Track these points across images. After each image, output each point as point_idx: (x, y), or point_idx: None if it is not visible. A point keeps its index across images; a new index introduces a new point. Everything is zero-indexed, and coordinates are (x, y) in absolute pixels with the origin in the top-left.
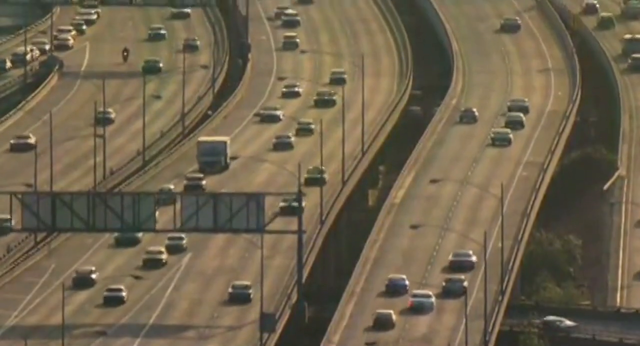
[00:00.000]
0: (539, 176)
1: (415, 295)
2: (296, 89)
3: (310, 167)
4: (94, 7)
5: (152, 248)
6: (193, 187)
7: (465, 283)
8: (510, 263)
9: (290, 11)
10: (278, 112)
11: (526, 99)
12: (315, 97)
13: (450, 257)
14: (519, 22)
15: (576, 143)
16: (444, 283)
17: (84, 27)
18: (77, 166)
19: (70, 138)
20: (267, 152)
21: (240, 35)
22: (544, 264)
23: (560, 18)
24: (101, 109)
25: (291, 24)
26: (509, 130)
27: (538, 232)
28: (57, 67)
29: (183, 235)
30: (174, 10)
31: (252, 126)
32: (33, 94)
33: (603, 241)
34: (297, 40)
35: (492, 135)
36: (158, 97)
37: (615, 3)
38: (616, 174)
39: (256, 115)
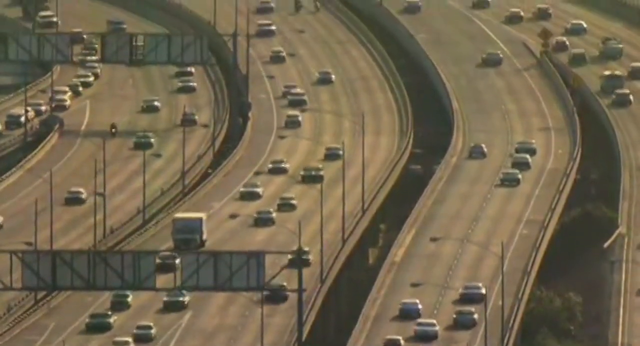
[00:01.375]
0: (539, 234)
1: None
2: (283, 165)
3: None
4: (93, 68)
5: (118, 339)
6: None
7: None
8: (511, 321)
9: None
10: (258, 189)
11: (533, 141)
12: (302, 173)
13: (460, 290)
14: (501, 55)
15: (577, 201)
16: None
17: (80, 88)
18: (78, 224)
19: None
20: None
21: (240, 94)
22: (545, 322)
23: (560, 76)
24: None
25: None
26: (517, 171)
27: (538, 289)
28: (57, 126)
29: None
30: (180, 83)
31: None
32: (34, 153)
33: (603, 299)
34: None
35: (502, 175)
36: (158, 156)
37: (593, 44)
38: (616, 232)
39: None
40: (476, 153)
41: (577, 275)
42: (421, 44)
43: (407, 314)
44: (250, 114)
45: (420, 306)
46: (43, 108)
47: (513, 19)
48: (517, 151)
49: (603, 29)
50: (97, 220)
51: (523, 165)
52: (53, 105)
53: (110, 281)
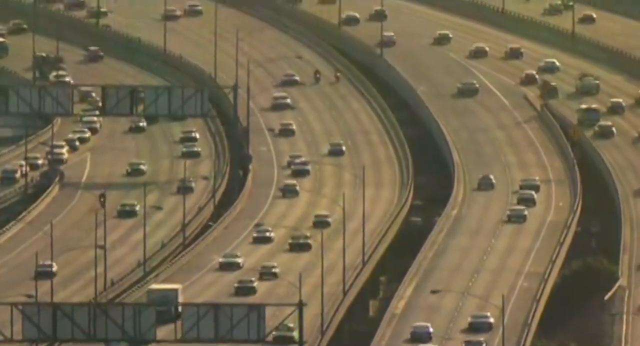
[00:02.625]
0: (539, 286)
1: None
2: (268, 235)
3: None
4: (92, 122)
5: None
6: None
7: None
8: None
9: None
10: (239, 260)
11: (537, 177)
12: (290, 241)
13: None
14: (477, 85)
15: (577, 254)
16: None
17: (77, 143)
18: (78, 277)
19: (71, 249)
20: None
21: (241, 146)
22: None
23: (560, 128)
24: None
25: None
26: (524, 207)
27: (539, 341)
28: (57, 178)
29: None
30: (184, 150)
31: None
32: (34, 205)
33: None
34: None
35: (509, 212)
36: (159, 208)
37: (569, 81)
38: (617, 285)
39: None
40: (485, 185)
41: (577, 328)
42: (421, 96)
43: None
44: (250, 167)
45: None
46: (40, 162)
47: (478, 54)
48: (521, 187)
49: (576, 68)
50: (98, 273)
51: (529, 202)
52: (51, 158)
53: (111, 334)
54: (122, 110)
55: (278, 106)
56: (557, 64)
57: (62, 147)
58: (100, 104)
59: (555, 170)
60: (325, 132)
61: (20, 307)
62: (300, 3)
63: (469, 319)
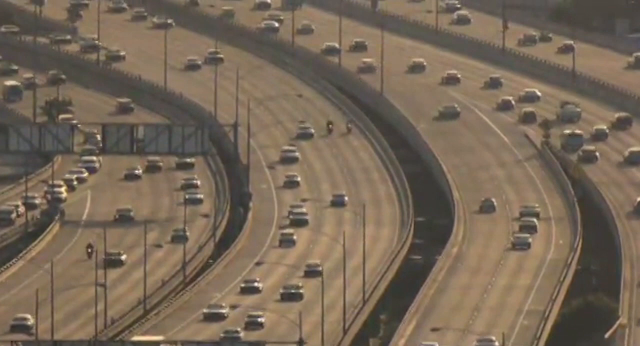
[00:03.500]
0: (540, 324)
1: None
2: (256, 285)
3: None
4: (91, 162)
5: None
6: None
7: None
8: None
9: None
10: (224, 310)
11: (537, 205)
12: (281, 290)
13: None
14: (458, 109)
15: (577, 292)
16: None
17: (75, 183)
18: (78, 315)
19: (71, 287)
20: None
21: (241, 184)
22: None
23: (561, 166)
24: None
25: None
26: (528, 235)
27: None
28: (58, 216)
29: None
30: (187, 195)
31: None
32: (35, 243)
33: None
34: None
35: (512, 239)
36: (159, 246)
37: (550, 110)
38: (617, 323)
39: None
40: (487, 207)
41: None
42: (422, 134)
43: None
44: (250, 204)
45: None
46: (37, 201)
47: (450, 81)
48: (522, 215)
49: (557, 98)
50: (98, 310)
51: (531, 229)
52: (50, 197)
53: None
54: (122, 148)
55: (287, 159)
56: (538, 93)
57: (60, 186)
58: (97, 136)
59: (556, 208)
60: (325, 169)
61: (21, 344)
62: (279, 33)
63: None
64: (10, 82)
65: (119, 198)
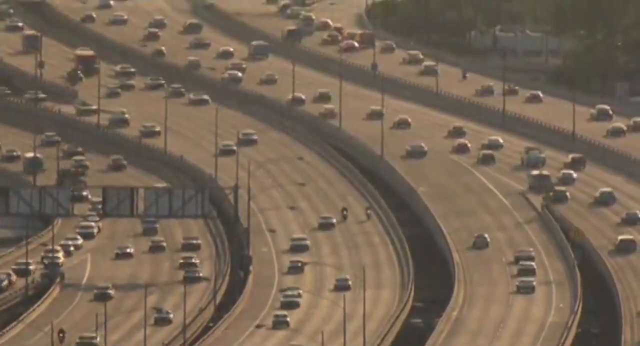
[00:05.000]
0: None
1: None
2: None
3: None
4: (88, 228)
5: None
6: None
7: None
8: None
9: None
10: None
11: (531, 249)
12: None
13: None
14: (426, 149)
15: None
16: None
17: (72, 249)
18: None
19: None
20: None
21: (241, 247)
22: None
23: (561, 229)
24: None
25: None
26: (532, 278)
27: None
28: (58, 279)
29: None
30: (186, 274)
31: None
32: (35, 306)
33: None
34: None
35: (518, 283)
36: (159, 310)
37: (513, 157)
38: None
39: None
40: (480, 243)
41: None
42: (422, 197)
43: None
44: (251, 268)
45: None
46: (32, 267)
47: (401, 125)
48: (517, 260)
49: (520, 145)
50: None
51: (529, 272)
52: (48, 261)
53: None
54: (122, 211)
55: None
56: (501, 141)
57: (57, 251)
58: (97, 201)
59: (556, 271)
60: (325, 231)
61: None
62: (242, 82)
63: None
64: (29, 154)
65: (118, 263)
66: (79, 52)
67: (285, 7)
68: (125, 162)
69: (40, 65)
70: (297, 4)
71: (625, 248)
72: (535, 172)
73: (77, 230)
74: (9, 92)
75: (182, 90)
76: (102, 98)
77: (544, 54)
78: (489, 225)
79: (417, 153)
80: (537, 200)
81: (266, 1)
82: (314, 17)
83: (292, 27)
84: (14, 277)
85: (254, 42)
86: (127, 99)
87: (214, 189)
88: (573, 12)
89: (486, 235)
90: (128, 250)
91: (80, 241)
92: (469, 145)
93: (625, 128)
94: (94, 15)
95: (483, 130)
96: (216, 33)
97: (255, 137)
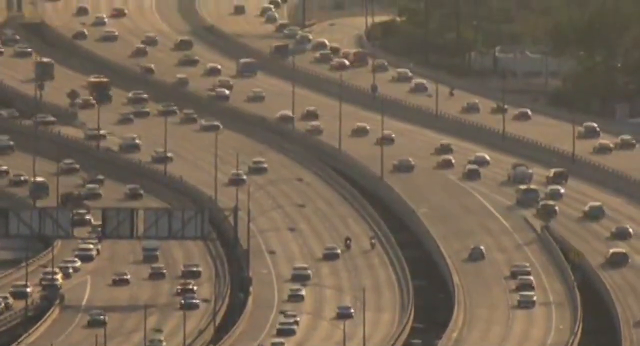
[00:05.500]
0: None
1: None
2: None
3: None
4: (87, 250)
5: None
6: None
7: None
8: None
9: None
10: None
11: (527, 264)
12: None
13: None
14: (413, 163)
15: None
16: None
17: (71, 271)
18: None
19: None
20: None
21: (241, 269)
22: None
23: (561, 251)
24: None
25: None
26: (533, 293)
27: None
28: (58, 301)
29: None
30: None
31: None
32: (34, 328)
33: None
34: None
35: (519, 298)
36: (159, 331)
37: (501, 173)
38: None
39: None
40: (476, 255)
41: None
42: (422, 218)
43: None
44: (251, 289)
45: None
46: (29, 290)
47: (385, 141)
48: (513, 275)
49: (507, 162)
50: None
51: (528, 287)
52: (43, 284)
53: None
54: (122, 232)
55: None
56: (487, 158)
57: (56, 273)
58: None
59: (556, 292)
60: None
61: None
62: (228, 101)
63: None
64: (39, 179)
65: (119, 285)
66: (92, 79)
67: (282, 26)
68: (142, 192)
69: (40, 87)
70: (297, 25)
71: (616, 261)
72: (523, 187)
73: (76, 253)
74: (17, 115)
75: (195, 116)
76: (114, 124)
77: (543, 75)
78: (489, 247)
79: (404, 168)
80: (526, 214)
81: (265, 21)
82: (311, 37)
83: (279, 43)
84: (10, 300)
85: (242, 60)
86: (139, 125)
87: (214, 210)
88: (572, 33)
89: (482, 247)
90: (125, 277)
91: (78, 263)
92: (453, 161)
93: (612, 145)
94: (86, 32)
95: (470, 146)
96: (207, 50)
97: (265, 165)
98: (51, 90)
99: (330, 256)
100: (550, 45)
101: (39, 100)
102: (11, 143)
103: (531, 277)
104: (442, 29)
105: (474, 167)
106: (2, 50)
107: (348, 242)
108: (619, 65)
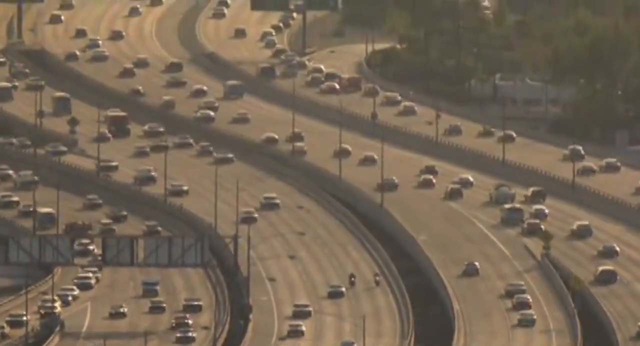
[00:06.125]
0: None
1: None
2: None
3: None
4: (86, 278)
5: None
6: None
7: None
8: None
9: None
10: None
11: (522, 282)
12: None
13: None
14: (396, 182)
15: None
16: None
17: (70, 299)
18: None
19: None
20: None
21: (241, 296)
22: None
23: (560, 278)
24: None
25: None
26: (532, 312)
27: None
28: (58, 328)
29: None
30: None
31: None
32: None
33: None
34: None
35: (519, 316)
36: None
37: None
38: None
39: None
40: (470, 270)
41: None
42: (422, 246)
43: None
44: (251, 316)
45: None
46: (27, 318)
47: (366, 162)
48: (508, 293)
49: (490, 183)
50: None
51: (524, 306)
52: (42, 312)
53: None
54: (122, 260)
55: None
56: (471, 179)
57: (55, 301)
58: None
59: (556, 320)
60: (325, 281)
61: None
62: (214, 122)
63: None
64: (45, 209)
65: (119, 312)
66: (111, 113)
67: (279, 51)
68: (160, 228)
69: (40, 114)
70: (297, 52)
71: (605, 279)
72: (507, 206)
73: (75, 281)
74: (28, 143)
75: (211, 149)
76: (131, 157)
77: (543, 102)
78: (489, 274)
79: (388, 186)
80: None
81: (264, 46)
82: (307, 62)
83: (266, 65)
84: (7, 329)
85: (228, 82)
86: (155, 157)
87: (214, 238)
88: (572, 60)
89: (476, 263)
90: (121, 310)
91: (77, 292)
92: (434, 181)
93: (595, 168)
94: (78, 53)
95: (453, 169)
96: (197, 72)
97: (277, 201)
98: (51, 117)
99: (334, 294)
100: (550, 72)
101: (39, 128)
102: (35, 178)
103: (527, 296)
104: (442, 56)
105: (457, 186)
106: (17, 84)
107: (352, 278)
108: (619, 92)
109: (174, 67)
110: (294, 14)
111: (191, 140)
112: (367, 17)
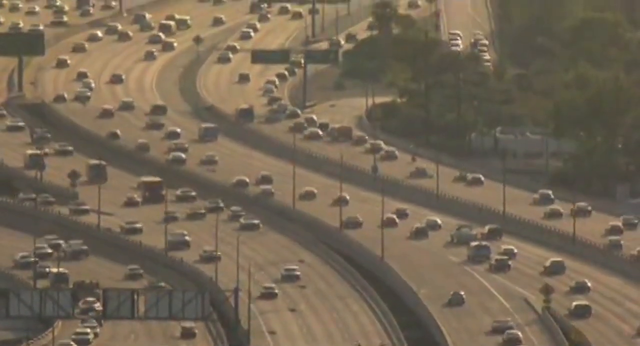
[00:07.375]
0: None
1: None
2: None
3: None
4: (84, 334)
5: None
6: None
7: None
8: None
9: None
10: None
11: (510, 319)
12: None
13: None
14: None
15: None
16: None
17: None
18: None
19: None
20: None
21: None
22: None
23: (561, 331)
24: None
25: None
26: (518, 332)
27: None
28: None
29: None
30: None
31: None
32: None
33: None
34: None
35: (505, 336)
36: None
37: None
38: None
39: None
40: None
41: None
42: (423, 299)
43: None
44: None
45: None
46: None
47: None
48: (495, 330)
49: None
50: None
51: (516, 341)
52: None
53: None
54: (123, 313)
55: None
56: (439, 221)
57: None
58: (97, 306)
59: None
60: (325, 333)
61: None
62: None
63: None
64: (54, 271)
65: None
66: (145, 178)
67: (274, 99)
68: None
69: (41, 167)
70: (298, 106)
71: (580, 313)
72: (475, 243)
73: (73, 336)
74: (34, 196)
75: (242, 213)
76: (162, 223)
77: (544, 156)
78: (489, 328)
79: (352, 224)
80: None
81: (262, 95)
82: (300, 112)
83: (244, 106)
84: None
85: (203, 124)
86: (187, 221)
87: (214, 291)
88: (573, 114)
89: (462, 292)
90: None
91: None
92: (397, 220)
93: (562, 210)
94: (65, 95)
95: (421, 211)
96: (177, 114)
97: (298, 273)
98: (51, 170)
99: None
100: (550, 126)
101: (39, 180)
102: (84, 247)
103: (518, 332)
104: (442, 109)
105: (423, 226)
106: (47, 150)
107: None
108: (620, 146)
109: (158, 110)
110: (295, 70)
111: (193, 193)
112: (367, 70)
